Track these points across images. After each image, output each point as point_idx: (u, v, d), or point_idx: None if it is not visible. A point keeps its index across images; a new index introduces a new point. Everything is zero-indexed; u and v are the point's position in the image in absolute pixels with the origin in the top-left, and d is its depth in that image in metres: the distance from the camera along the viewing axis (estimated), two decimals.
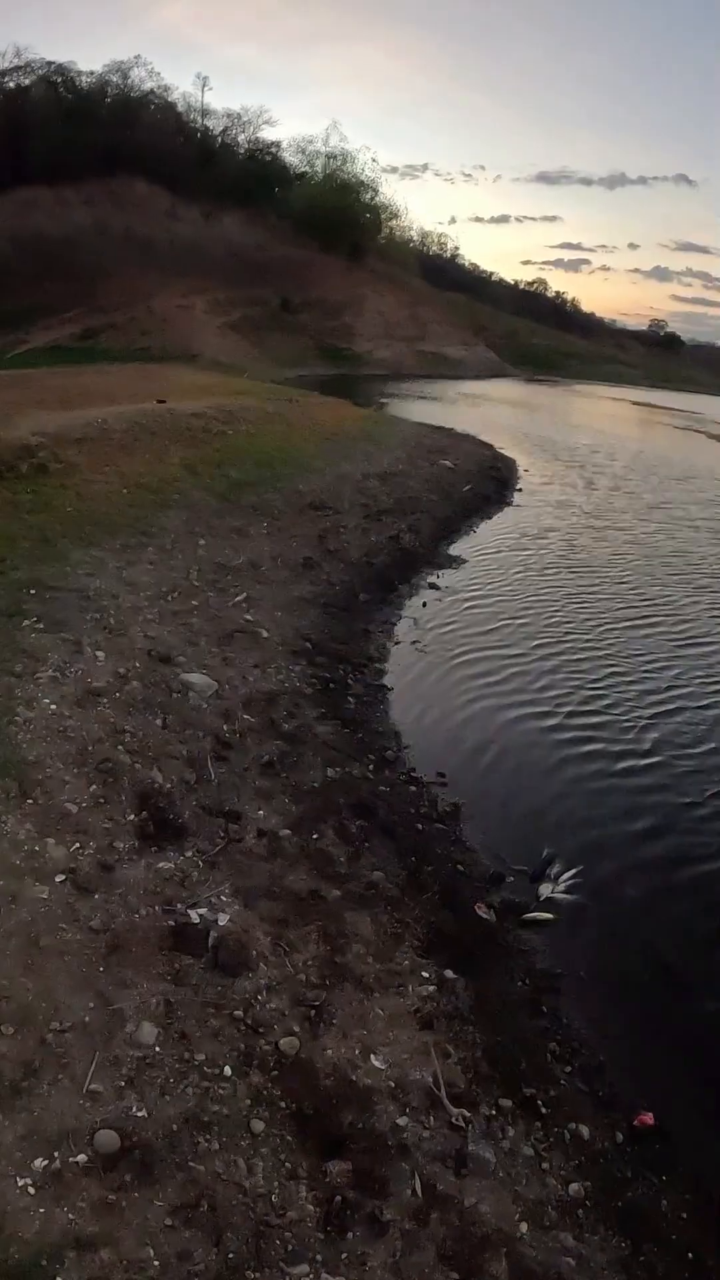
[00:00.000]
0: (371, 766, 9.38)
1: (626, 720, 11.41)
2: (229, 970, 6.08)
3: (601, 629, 14.52)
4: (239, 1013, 5.73)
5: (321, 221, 70.93)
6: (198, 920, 6.40)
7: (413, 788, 9.29)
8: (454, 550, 18.09)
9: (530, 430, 39.80)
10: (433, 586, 15.40)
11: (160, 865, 6.78)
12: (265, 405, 25.73)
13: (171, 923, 6.26)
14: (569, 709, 11.65)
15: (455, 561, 17.33)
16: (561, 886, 8.17)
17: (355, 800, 8.55)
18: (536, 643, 13.71)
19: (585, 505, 24.37)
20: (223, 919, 6.52)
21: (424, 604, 14.67)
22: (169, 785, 7.84)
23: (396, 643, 13.11)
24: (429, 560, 16.99)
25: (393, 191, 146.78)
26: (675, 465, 36.88)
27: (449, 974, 6.64)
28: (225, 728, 9.14)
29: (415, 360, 68.15)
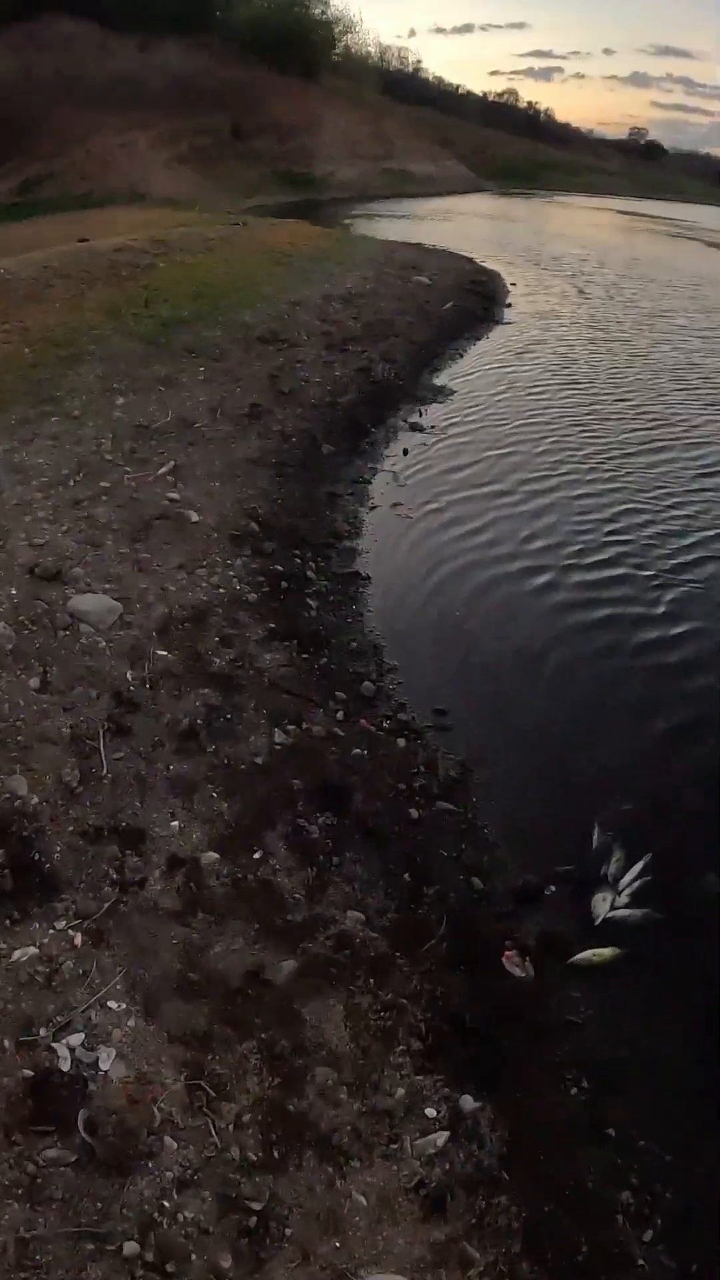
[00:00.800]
0: (341, 714, 6.15)
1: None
2: (113, 1165, 3.48)
3: (619, 462, 11.62)
4: (131, 1247, 3.24)
5: (270, 40, 63.53)
6: (68, 1064, 3.75)
7: (402, 741, 6.07)
8: (439, 380, 14.64)
9: (511, 241, 34.92)
10: (415, 427, 12.14)
11: (15, 955, 4.09)
12: (206, 232, 21.46)
13: (27, 1071, 3.66)
14: (611, 585, 8.47)
15: (441, 394, 13.82)
16: (625, 895, 5.27)
17: (318, 782, 5.41)
18: (549, 488, 10.48)
19: (583, 318, 21.02)
20: (105, 1059, 3.81)
21: (405, 451, 11.33)
22: (36, 801, 4.88)
23: (372, 507, 9.78)
24: (408, 394, 13.47)
25: (346, 4, 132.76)
26: (673, 272, 32.52)
27: (467, 1101, 3.94)
28: (130, 676, 5.98)
29: (381, 179, 61.32)
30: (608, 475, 11.08)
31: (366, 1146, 3.67)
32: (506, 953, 4.72)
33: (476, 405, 13.47)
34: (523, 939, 4.80)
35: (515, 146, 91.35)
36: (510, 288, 22.97)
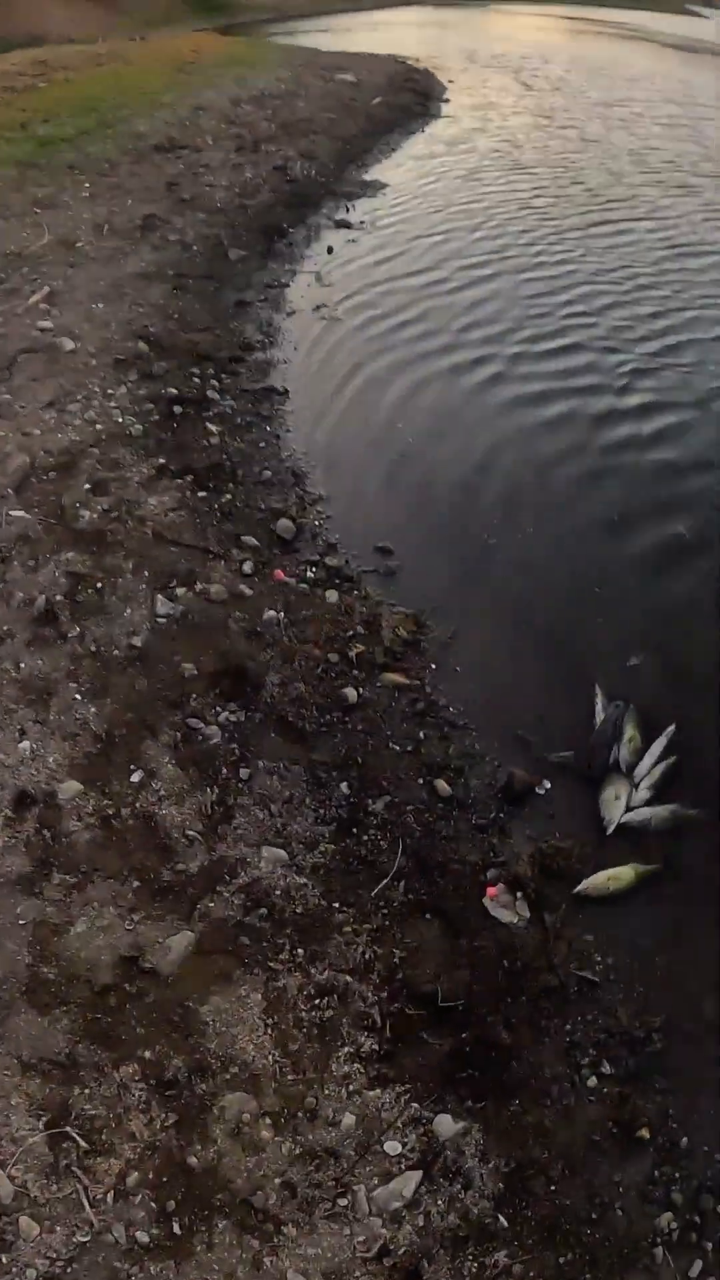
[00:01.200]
0: (249, 565, 4.52)
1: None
2: None
3: (574, 244, 9.72)
4: None
5: None
6: None
7: (333, 595, 4.48)
8: (368, 175, 12.49)
9: (448, 45, 31.05)
10: (341, 224, 10.20)
11: None
12: (97, 49, 18.54)
13: None
14: (575, 375, 6.81)
15: (370, 188, 11.73)
16: (645, 787, 3.86)
17: (218, 664, 3.89)
18: (494, 273, 8.66)
19: (527, 108, 18.48)
20: None
21: (330, 249, 9.39)
22: None
23: (290, 313, 7.96)
24: (333, 191, 11.35)
25: None
26: (625, 67, 29.01)
27: (445, 1123, 2.71)
28: None
29: None
30: (561, 258, 9.22)
31: (304, 1206, 2.46)
32: (490, 889, 3.28)
33: (411, 196, 11.41)
34: (511, 865, 3.38)
35: None
36: (448, 84, 20.05)
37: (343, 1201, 2.46)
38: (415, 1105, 2.69)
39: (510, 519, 5.24)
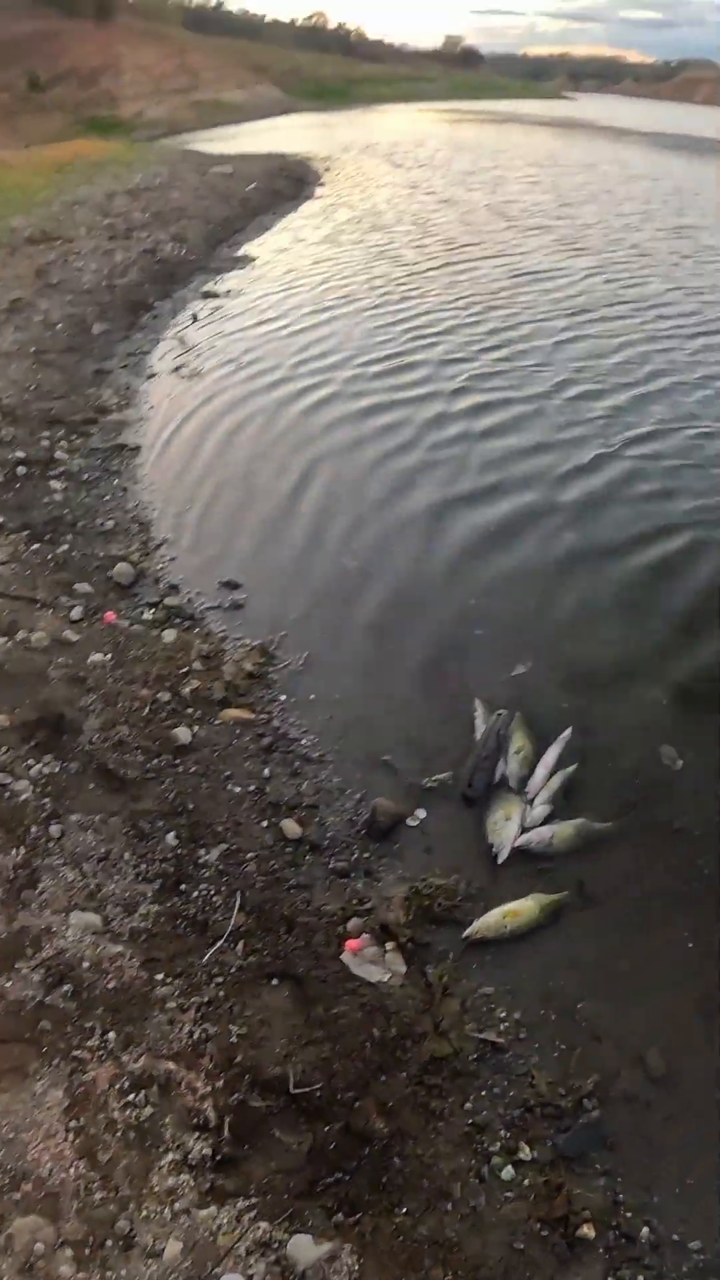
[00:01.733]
0: (78, 611, 4.15)
1: (513, 410, 6.50)
2: None
3: (420, 282, 10.31)
4: None
5: None
6: None
7: (170, 634, 4.10)
8: (239, 252, 12.69)
9: (326, 141, 32.23)
10: (209, 295, 10.30)
11: None
12: None
13: None
14: (406, 389, 6.96)
15: (240, 262, 11.90)
16: (542, 802, 3.40)
17: (32, 713, 3.47)
18: (342, 313, 8.92)
19: (394, 181, 19.62)
20: None
21: (194, 317, 9.29)
22: None
23: (150, 376, 7.80)
24: (203, 268, 11.50)
25: None
26: (493, 144, 30.63)
27: (303, 1246, 2.06)
28: None
29: (192, 113, 57.01)
30: (406, 295, 9.73)
31: None
32: (351, 942, 2.82)
33: (274, 265, 11.61)
34: (379, 912, 2.92)
35: (329, 66, 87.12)
36: (323, 171, 20.66)
37: None
38: (263, 1225, 2.10)
39: (359, 536, 5.03)
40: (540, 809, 3.32)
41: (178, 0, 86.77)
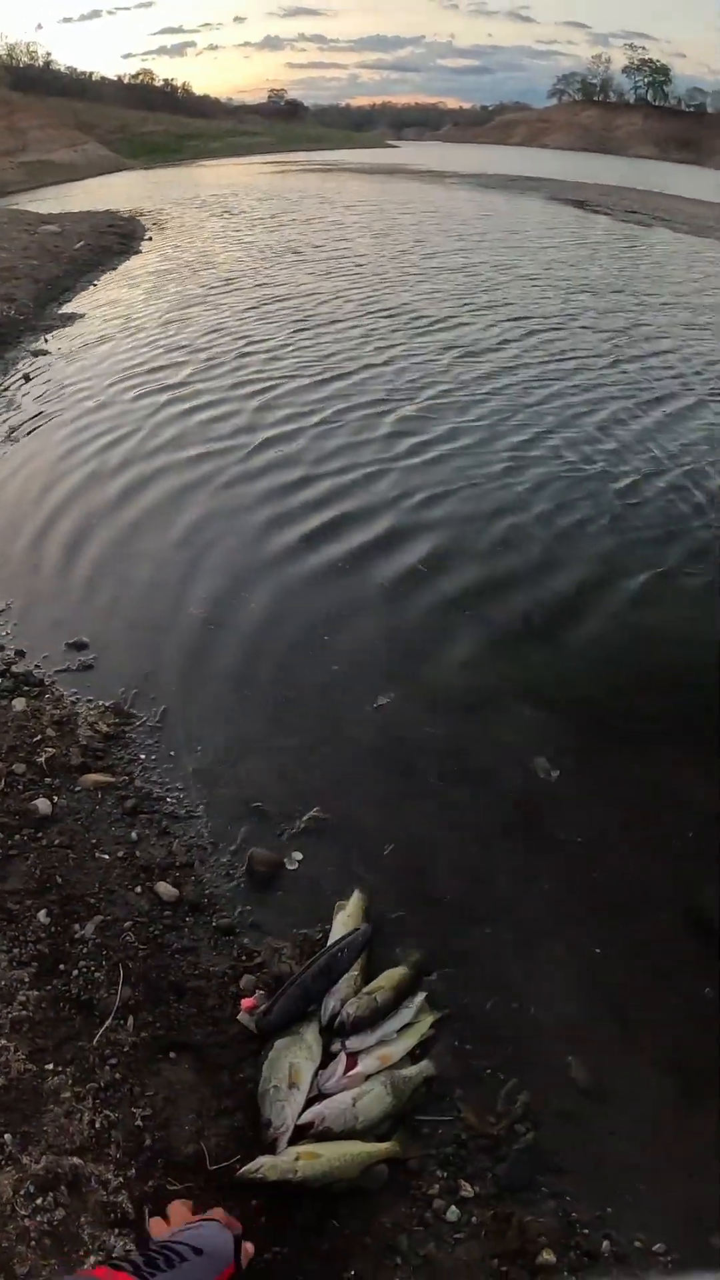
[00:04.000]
0: None
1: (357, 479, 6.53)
2: None
3: (233, 316, 11.48)
4: None
5: None
6: None
7: (20, 703, 3.92)
8: (68, 309, 12.55)
9: (156, 196, 32.43)
10: (40, 353, 10.00)
11: None
12: None
13: None
14: (213, 425, 7.37)
15: (70, 319, 11.77)
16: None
17: None
18: (185, 377, 8.85)
19: (214, 230, 20.59)
20: None
21: (26, 377, 9.03)
22: None
23: None
24: (33, 326, 11.24)
25: None
26: (313, 192, 31.66)
27: None
28: None
29: (20, 173, 56.17)
30: (221, 329, 10.71)
31: None
32: (245, 1001, 2.71)
33: (102, 319, 11.66)
34: (271, 964, 2.83)
35: (157, 123, 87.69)
36: (150, 225, 20.83)
37: None
38: None
39: (201, 584, 5.02)
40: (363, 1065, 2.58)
41: (2, 61, 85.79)
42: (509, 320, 11.08)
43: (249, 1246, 1.64)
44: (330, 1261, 2.11)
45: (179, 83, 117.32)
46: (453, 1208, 2.23)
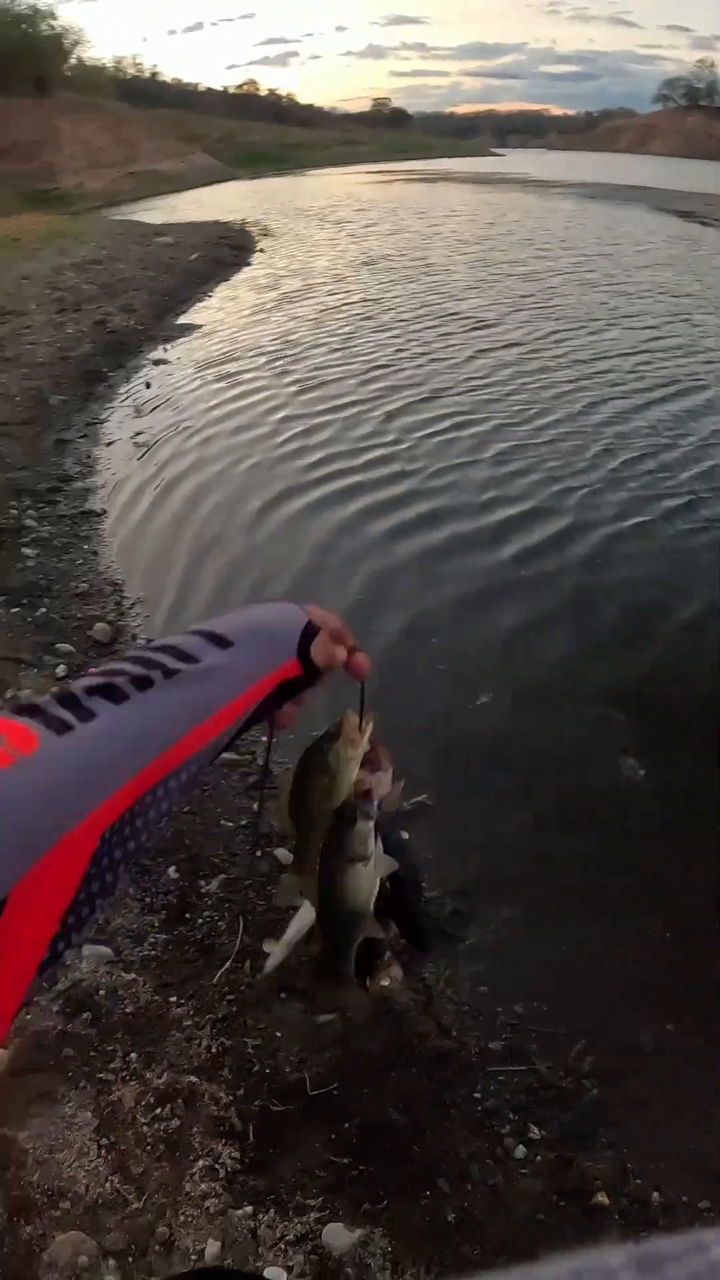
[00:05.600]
0: (63, 668, 4.42)
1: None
2: None
3: (354, 324, 11.85)
4: None
5: None
6: None
7: None
8: (185, 320, 13.11)
9: (264, 207, 33.18)
10: (160, 362, 10.64)
11: None
12: None
13: None
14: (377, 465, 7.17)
15: (188, 330, 12.35)
16: None
17: None
18: (297, 390, 9.12)
19: (325, 240, 21.15)
20: None
21: (148, 384, 9.64)
22: None
23: (109, 444, 8.05)
24: (152, 337, 11.81)
25: (73, 18, 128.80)
26: (417, 201, 31.86)
27: (338, 1234, 2.23)
28: None
29: (130, 183, 58.11)
30: (347, 337, 11.03)
31: None
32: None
33: (219, 328, 12.20)
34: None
35: (262, 133, 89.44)
36: (261, 236, 21.42)
37: None
38: (297, 1218, 2.22)
39: (309, 579, 5.42)
40: None
41: (111, 74, 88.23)
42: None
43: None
44: (411, 1181, 2.35)
45: (283, 92, 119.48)
46: (521, 1146, 2.44)
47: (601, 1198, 2.32)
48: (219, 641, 0.79)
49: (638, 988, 2.98)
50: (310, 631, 0.86)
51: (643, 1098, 2.64)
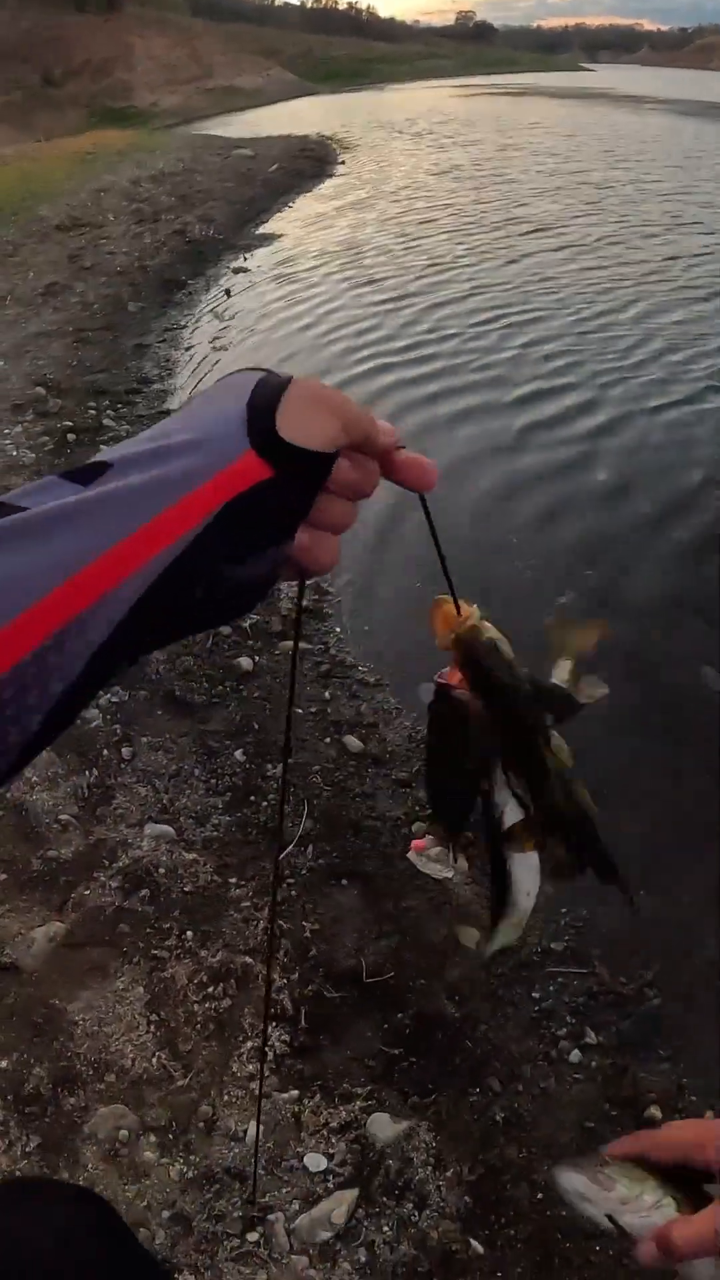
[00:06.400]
0: None
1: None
2: None
3: (435, 249, 10.77)
4: None
5: None
6: None
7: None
8: (265, 230, 12.75)
9: (344, 121, 32.08)
10: (239, 271, 10.38)
11: None
12: (4, 153, 18.94)
13: None
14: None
15: (267, 240, 12.02)
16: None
17: None
18: (374, 300, 8.74)
19: (409, 157, 19.83)
20: None
21: (228, 292, 9.42)
22: None
23: (188, 348, 7.87)
24: (231, 246, 11.56)
25: None
26: (506, 117, 30.43)
27: (383, 1124, 2.15)
28: None
29: (206, 100, 56.86)
30: (433, 263, 10.07)
31: (202, 1245, 1.90)
32: (417, 842, 2.90)
33: (300, 240, 11.75)
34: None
35: (342, 47, 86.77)
36: (342, 150, 20.72)
37: (253, 1236, 1.92)
38: (342, 1106, 2.16)
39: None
40: None
41: None
42: None
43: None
44: (461, 1076, 2.26)
45: (363, 5, 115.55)
46: (576, 1050, 2.34)
47: (654, 1110, 2.21)
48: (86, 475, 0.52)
49: (711, 901, 2.85)
50: (266, 403, 0.55)
51: (705, 1013, 2.52)
